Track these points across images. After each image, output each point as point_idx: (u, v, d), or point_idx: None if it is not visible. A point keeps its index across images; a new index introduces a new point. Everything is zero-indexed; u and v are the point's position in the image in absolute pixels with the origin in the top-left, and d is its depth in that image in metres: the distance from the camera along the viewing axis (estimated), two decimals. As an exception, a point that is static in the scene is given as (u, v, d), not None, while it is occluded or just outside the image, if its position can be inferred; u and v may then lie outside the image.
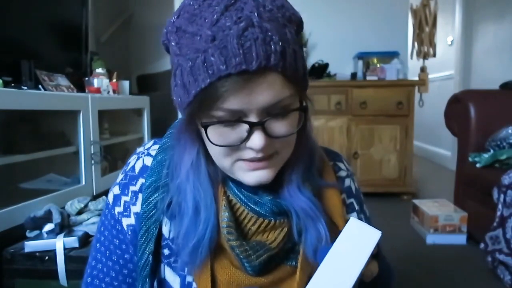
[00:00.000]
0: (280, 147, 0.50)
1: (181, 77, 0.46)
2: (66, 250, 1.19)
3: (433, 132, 4.42)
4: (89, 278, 0.59)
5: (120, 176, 0.61)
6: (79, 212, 1.39)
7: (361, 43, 3.25)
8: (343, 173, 0.66)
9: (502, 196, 1.62)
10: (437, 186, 3.30)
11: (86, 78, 2.06)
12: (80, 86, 2.00)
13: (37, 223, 1.29)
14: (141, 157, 0.60)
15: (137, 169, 0.59)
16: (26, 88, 1.56)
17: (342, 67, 3.25)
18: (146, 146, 0.62)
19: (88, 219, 1.36)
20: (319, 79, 3.00)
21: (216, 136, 0.47)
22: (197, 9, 0.45)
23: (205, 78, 0.43)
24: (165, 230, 0.56)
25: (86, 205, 1.43)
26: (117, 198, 0.59)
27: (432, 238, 2.02)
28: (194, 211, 0.52)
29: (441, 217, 2.02)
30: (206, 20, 0.43)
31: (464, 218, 2.01)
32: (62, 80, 1.83)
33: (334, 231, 0.54)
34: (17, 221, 1.30)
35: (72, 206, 1.40)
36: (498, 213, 1.62)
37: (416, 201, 2.25)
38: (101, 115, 1.86)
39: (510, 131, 1.94)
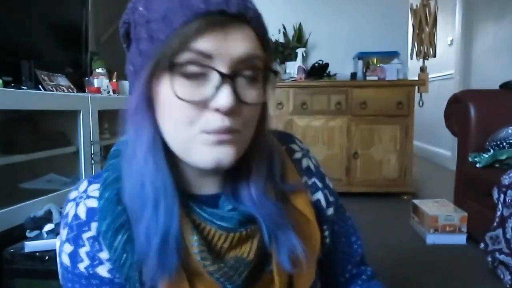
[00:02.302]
0: (242, 124, 0.46)
1: (146, 31, 0.44)
2: (66, 250, 1.19)
3: (433, 132, 4.41)
4: None
5: (64, 232, 0.52)
6: (79, 212, 1.39)
7: (361, 43, 3.25)
8: (298, 155, 0.62)
9: (502, 196, 1.62)
10: (437, 186, 3.30)
11: (86, 78, 2.07)
12: (80, 86, 2.00)
13: (37, 223, 1.29)
14: (81, 202, 0.52)
15: (82, 215, 0.51)
16: (26, 88, 1.56)
17: (342, 67, 3.25)
18: (82, 189, 0.54)
19: (88, 219, 1.35)
20: (319, 79, 3.00)
21: (181, 91, 0.43)
22: None
23: (180, 18, 0.41)
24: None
25: (86, 205, 1.42)
26: (74, 255, 0.51)
27: (432, 238, 2.02)
28: (154, 204, 0.46)
29: (441, 217, 2.02)
30: None
31: (464, 218, 2.01)
32: (62, 80, 1.83)
33: (304, 236, 0.52)
34: (17, 221, 1.30)
35: (72, 206, 1.40)
36: (498, 213, 1.62)
37: (416, 201, 2.25)
38: (101, 115, 1.86)
39: (510, 131, 1.94)
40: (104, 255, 0.50)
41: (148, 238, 0.46)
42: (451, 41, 4.12)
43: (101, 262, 0.50)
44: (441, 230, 2.02)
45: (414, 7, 3.09)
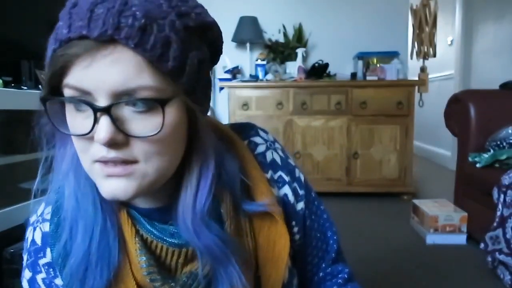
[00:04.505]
0: (141, 155, 0.41)
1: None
2: (66, 250, 1.19)
3: (433, 132, 4.41)
4: None
5: (24, 258, 0.52)
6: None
7: (361, 43, 3.25)
8: (261, 148, 0.58)
9: (502, 196, 1.62)
10: (437, 186, 3.29)
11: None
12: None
13: (37, 223, 1.28)
14: (37, 226, 0.52)
15: (38, 240, 0.51)
16: (26, 88, 1.56)
17: (342, 67, 3.26)
18: (39, 212, 0.53)
19: (88, 219, 1.35)
20: (319, 79, 3.00)
21: (70, 121, 0.41)
22: None
23: (50, 46, 0.39)
24: None
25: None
26: (32, 281, 0.51)
27: (432, 238, 2.02)
28: (88, 241, 0.46)
29: (441, 217, 2.01)
30: None
31: (464, 218, 2.01)
32: (62, 80, 1.83)
33: (270, 239, 0.51)
34: (17, 221, 1.30)
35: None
36: (498, 213, 1.62)
37: (416, 201, 2.25)
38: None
39: (510, 131, 1.94)
40: (59, 281, 0.50)
41: (80, 256, 0.46)
42: (451, 41, 4.12)
43: None
44: (441, 230, 2.02)
45: (414, 7, 3.09)
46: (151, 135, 0.40)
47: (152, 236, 0.48)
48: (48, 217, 0.51)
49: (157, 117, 0.40)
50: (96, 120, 0.39)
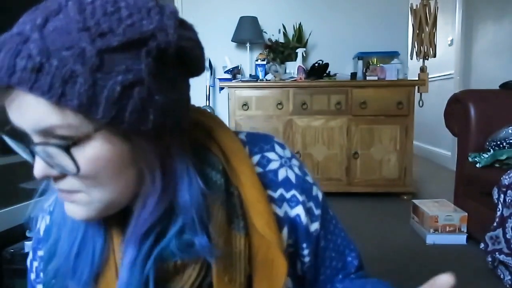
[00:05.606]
0: (80, 187, 0.41)
1: None
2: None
3: (433, 132, 4.42)
4: None
5: (33, 239, 0.57)
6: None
7: (361, 43, 3.25)
8: (274, 165, 0.55)
9: (502, 196, 1.62)
10: (437, 186, 3.29)
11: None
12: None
13: (37, 223, 1.28)
14: (44, 216, 0.54)
15: (41, 231, 0.55)
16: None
17: (342, 67, 3.26)
18: (50, 201, 0.55)
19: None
20: (319, 79, 3.00)
21: None
22: None
23: None
24: None
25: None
26: (31, 263, 0.57)
27: (432, 238, 2.02)
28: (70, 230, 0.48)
29: (441, 217, 2.01)
30: None
31: (464, 218, 2.01)
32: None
33: (264, 261, 0.49)
34: (17, 221, 1.30)
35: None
36: (498, 213, 1.62)
37: (416, 201, 2.25)
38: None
39: (510, 131, 1.94)
40: None
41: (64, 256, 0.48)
42: (451, 41, 4.12)
43: (41, 281, 0.53)
44: (441, 230, 2.02)
45: (414, 7, 3.09)
46: (72, 174, 0.39)
47: None
48: (51, 208, 0.54)
49: (78, 155, 0.39)
50: (33, 156, 0.40)
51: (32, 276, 0.56)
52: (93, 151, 0.39)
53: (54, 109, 0.36)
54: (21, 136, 0.41)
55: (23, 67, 0.34)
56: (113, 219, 0.48)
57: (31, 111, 0.36)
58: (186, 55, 0.43)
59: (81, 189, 0.41)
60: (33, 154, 0.40)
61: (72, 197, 0.42)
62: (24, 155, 0.42)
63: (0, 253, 1.22)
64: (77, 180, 0.41)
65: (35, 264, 0.55)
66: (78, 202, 0.43)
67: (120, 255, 0.47)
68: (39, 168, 0.40)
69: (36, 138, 0.39)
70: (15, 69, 0.35)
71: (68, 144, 0.38)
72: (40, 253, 0.54)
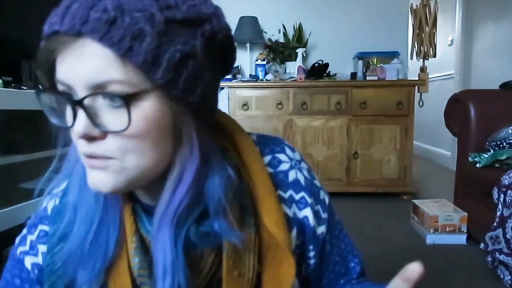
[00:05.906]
0: (117, 151, 0.41)
1: None
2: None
3: (433, 132, 4.42)
4: None
5: (31, 218, 0.55)
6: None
7: (361, 43, 3.25)
8: (284, 166, 0.56)
9: (502, 196, 1.62)
10: (437, 186, 3.29)
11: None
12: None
13: (37, 223, 1.28)
14: (53, 198, 0.54)
15: (49, 210, 0.53)
16: (26, 88, 1.56)
17: (342, 67, 3.26)
18: (62, 187, 0.54)
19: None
20: (319, 79, 3.00)
21: (68, 115, 0.43)
22: None
23: (40, 40, 0.40)
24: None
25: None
26: (23, 238, 0.54)
27: (432, 238, 2.02)
28: (85, 217, 0.47)
29: (441, 217, 2.01)
30: None
31: (464, 218, 2.01)
32: (62, 80, 1.83)
33: (273, 262, 0.50)
34: (17, 221, 1.30)
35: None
36: (498, 213, 1.62)
37: (416, 201, 2.25)
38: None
39: (510, 131, 1.94)
40: (43, 248, 0.51)
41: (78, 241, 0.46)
42: (451, 41, 4.12)
43: (35, 254, 0.51)
44: (441, 230, 2.02)
45: (414, 7, 3.09)
46: (119, 131, 0.39)
47: (150, 237, 0.48)
48: (62, 193, 0.53)
49: (124, 111, 0.39)
50: (75, 114, 0.39)
51: (21, 249, 0.53)
52: (145, 111, 0.40)
53: (118, 62, 0.37)
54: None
55: (97, 18, 0.36)
56: (127, 211, 0.48)
57: (94, 61, 0.37)
58: (229, 46, 0.47)
59: (116, 156, 0.41)
60: (75, 111, 0.39)
61: (105, 162, 0.41)
62: (60, 116, 0.42)
63: (0, 253, 1.22)
64: (117, 142, 0.40)
65: (31, 237, 0.52)
66: (109, 169, 0.41)
67: (133, 245, 0.47)
68: (81, 125, 0.39)
69: (85, 94, 0.39)
70: (89, 19, 0.36)
71: (128, 95, 0.39)
72: (43, 227, 0.52)
